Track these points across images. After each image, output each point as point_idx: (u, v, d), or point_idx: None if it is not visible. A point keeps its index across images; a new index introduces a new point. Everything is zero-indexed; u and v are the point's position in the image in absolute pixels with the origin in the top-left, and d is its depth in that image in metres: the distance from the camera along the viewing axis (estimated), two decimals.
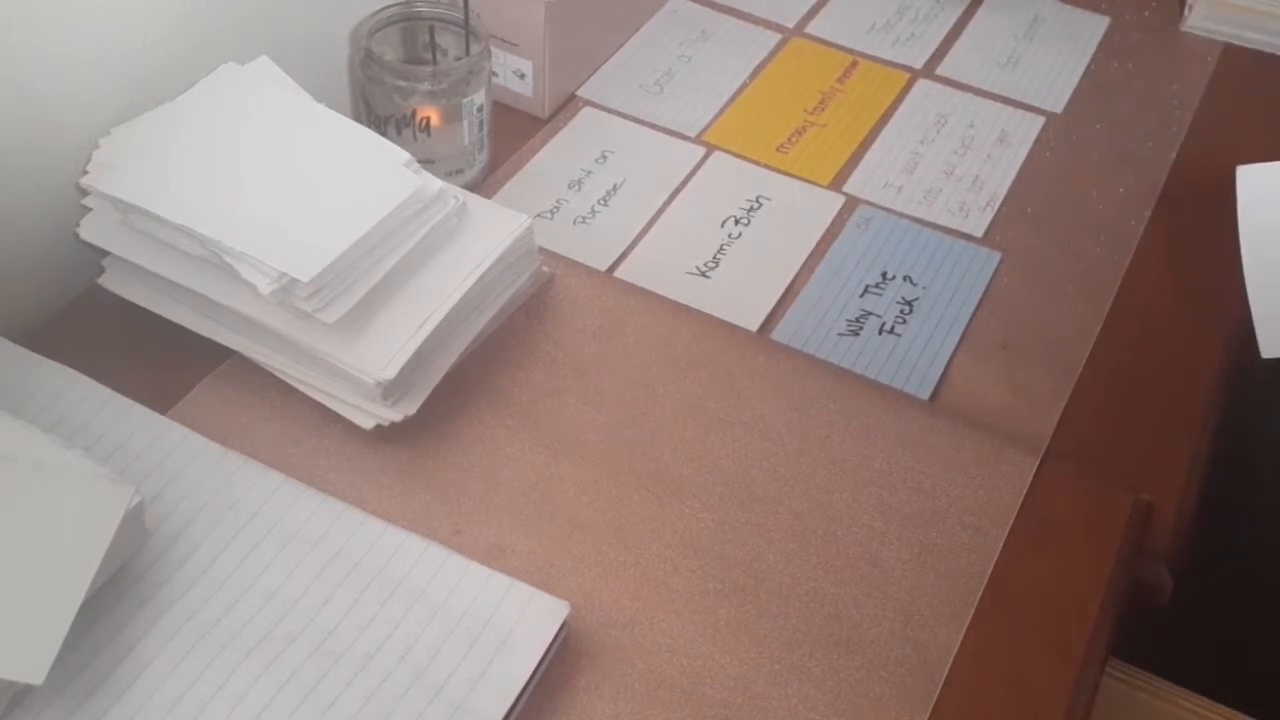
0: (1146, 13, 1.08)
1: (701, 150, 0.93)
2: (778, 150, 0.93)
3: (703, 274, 0.84)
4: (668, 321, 0.79)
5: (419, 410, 0.71)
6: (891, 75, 1.01)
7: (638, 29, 1.03)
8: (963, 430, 0.74)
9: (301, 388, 0.72)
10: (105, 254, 0.74)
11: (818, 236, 0.87)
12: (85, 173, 0.72)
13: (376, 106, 0.83)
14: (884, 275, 0.85)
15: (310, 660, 0.60)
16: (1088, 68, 1.02)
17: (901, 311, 0.82)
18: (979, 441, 0.73)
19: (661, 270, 0.83)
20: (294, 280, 0.68)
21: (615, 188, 0.89)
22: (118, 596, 0.61)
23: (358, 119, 0.82)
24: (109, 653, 0.59)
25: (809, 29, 1.04)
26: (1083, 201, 0.91)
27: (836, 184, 0.91)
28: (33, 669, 0.54)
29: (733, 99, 0.97)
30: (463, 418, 0.73)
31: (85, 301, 0.77)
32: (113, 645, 0.59)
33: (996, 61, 1.03)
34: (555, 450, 0.71)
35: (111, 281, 0.75)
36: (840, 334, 0.80)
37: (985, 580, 0.67)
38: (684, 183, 0.90)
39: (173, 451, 0.67)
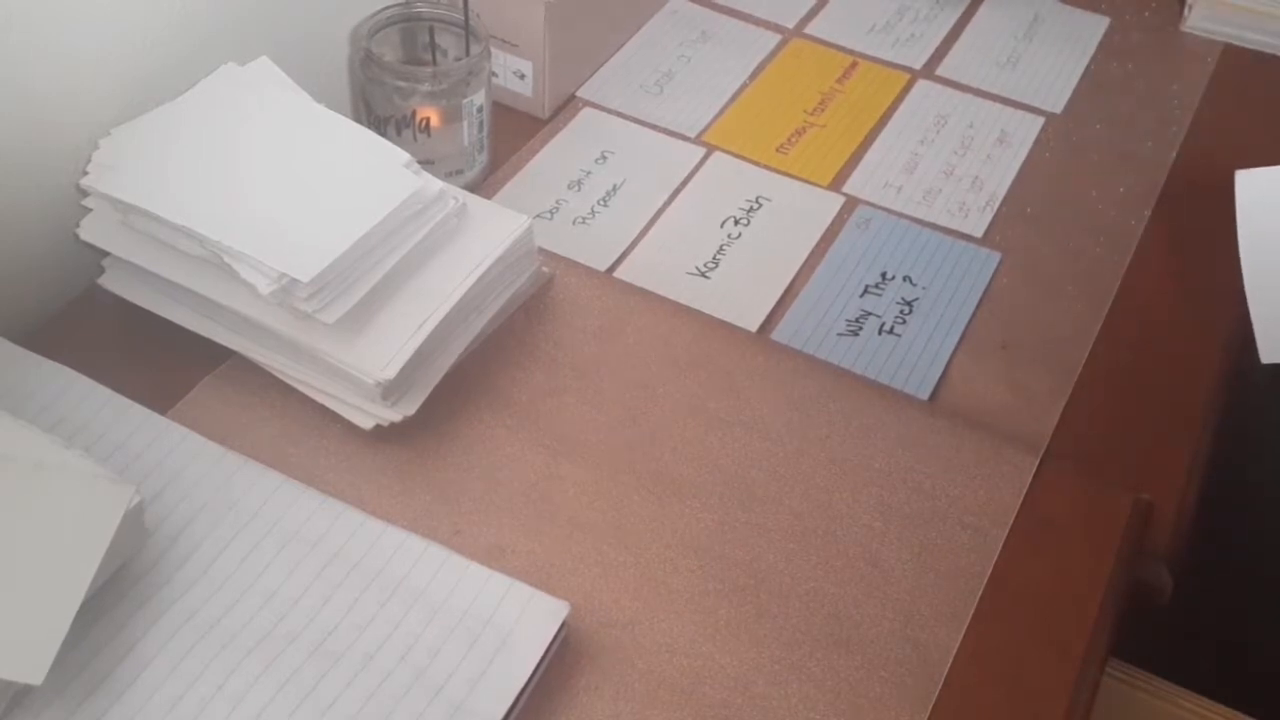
0: (1146, 13, 1.08)
1: (701, 151, 0.93)
2: (777, 151, 0.93)
3: (703, 274, 0.84)
4: (668, 321, 0.79)
5: (419, 410, 0.71)
6: (891, 76, 1.01)
7: (638, 29, 1.03)
8: (963, 430, 0.74)
9: (301, 388, 0.72)
10: (105, 254, 0.74)
11: (817, 237, 0.87)
12: (85, 173, 0.72)
13: (376, 107, 0.83)
14: (884, 275, 0.85)
15: (310, 660, 0.60)
16: (1087, 68, 1.03)
17: (901, 311, 0.82)
18: (979, 441, 0.73)
19: (661, 270, 0.83)
20: (294, 280, 0.68)
21: (615, 188, 0.89)
22: (118, 596, 0.61)
23: (358, 119, 0.82)
24: (109, 653, 0.59)
25: (809, 29, 1.04)
26: (1082, 201, 0.91)
27: (836, 184, 0.91)
28: (32, 669, 0.54)
29: (733, 99, 0.97)
30: (463, 418, 0.73)
31: (85, 301, 0.77)
32: (113, 645, 0.59)
33: (996, 62, 1.03)
34: (555, 450, 0.71)
35: (111, 281, 0.75)
36: (840, 334, 0.80)
37: (985, 580, 0.67)
38: (684, 183, 0.90)
39: (173, 451, 0.67)
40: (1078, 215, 0.90)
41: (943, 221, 0.89)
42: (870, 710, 0.62)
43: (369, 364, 0.69)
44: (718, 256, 0.85)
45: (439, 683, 0.59)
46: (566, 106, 0.95)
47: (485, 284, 0.74)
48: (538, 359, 0.76)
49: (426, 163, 0.80)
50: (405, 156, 0.74)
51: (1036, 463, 0.73)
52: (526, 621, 0.62)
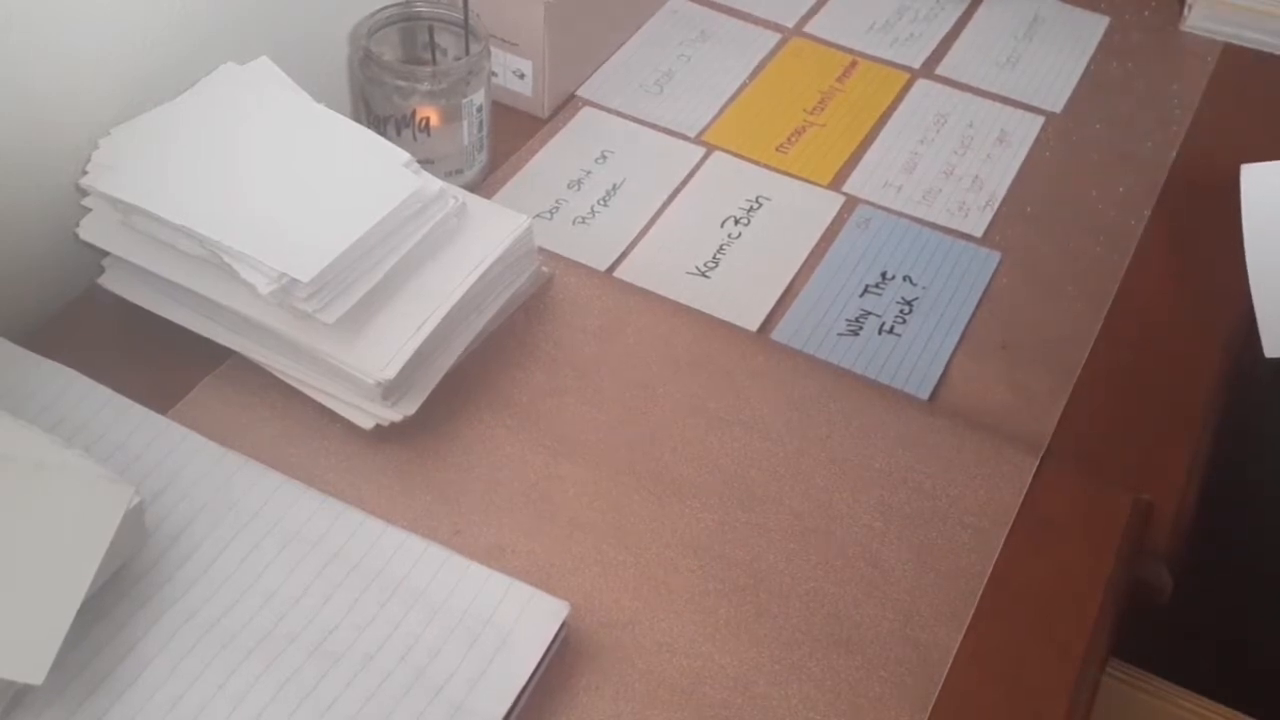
0: (1146, 12, 1.08)
1: (701, 150, 0.93)
2: (777, 150, 0.93)
3: (703, 274, 0.84)
4: (668, 321, 0.79)
5: (419, 410, 0.71)
6: (891, 75, 1.01)
7: (638, 29, 1.03)
8: (963, 430, 0.74)
9: (301, 388, 0.72)
10: (105, 254, 0.74)
11: (817, 236, 0.87)
12: (85, 173, 0.72)
13: (376, 106, 0.83)
14: (884, 275, 0.85)
15: (310, 660, 0.60)
16: (1087, 67, 1.02)
17: (901, 311, 0.82)
18: (979, 441, 0.73)
19: (661, 270, 0.83)
20: (294, 280, 0.68)
21: (615, 188, 0.89)
22: (118, 596, 0.61)
23: (358, 119, 0.82)
24: (109, 652, 0.59)
25: (809, 29, 1.04)
26: (1082, 201, 0.91)
27: (836, 184, 0.91)
28: (33, 669, 0.54)
29: (732, 99, 0.97)
30: (463, 418, 0.73)
31: (85, 301, 0.77)
32: (113, 645, 0.59)
33: (996, 61, 1.03)
34: (555, 450, 0.71)
35: (111, 281, 0.75)
36: (840, 334, 0.80)
37: (985, 580, 0.67)
38: (684, 183, 0.90)
39: (173, 451, 0.67)
40: (1078, 215, 0.90)
41: (943, 221, 0.89)
42: (870, 710, 0.62)
43: (369, 364, 0.69)
44: (718, 256, 0.85)
45: (439, 683, 0.59)
46: (566, 106, 0.95)
47: (485, 284, 0.74)
48: (538, 359, 0.76)
49: (426, 162, 0.80)
50: (405, 156, 0.74)
51: (1036, 463, 0.73)
52: (526, 621, 0.62)
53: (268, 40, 0.83)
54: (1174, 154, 0.95)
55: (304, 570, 0.63)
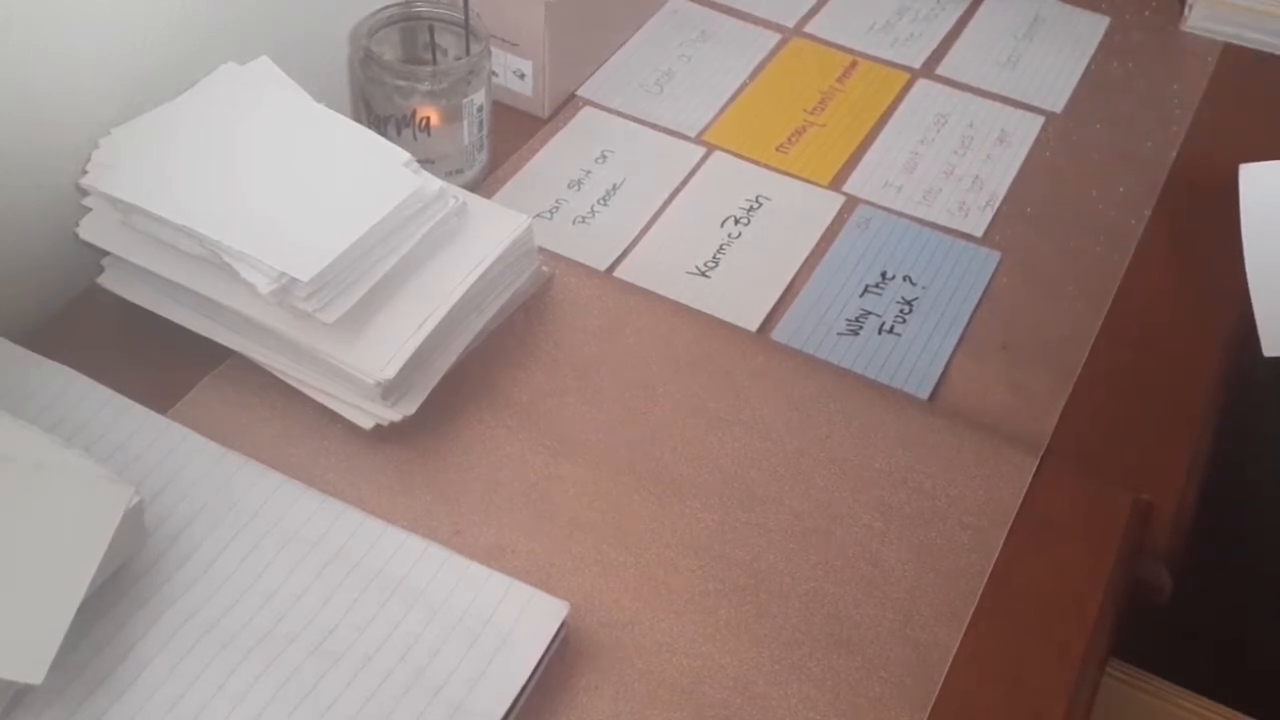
0: (1146, 12, 1.08)
1: (701, 150, 0.93)
2: (777, 150, 0.93)
3: (703, 274, 0.84)
4: (668, 321, 0.79)
5: (419, 410, 0.71)
6: (891, 75, 1.01)
7: (638, 29, 1.03)
8: (963, 430, 0.74)
9: (301, 388, 0.72)
10: (105, 254, 0.74)
11: (817, 236, 0.87)
12: (85, 172, 0.72)
13: (376, 106, 0.83)
14: (884, 275, 0.85)
15: (310, 660, 0.60)
16: (1088, 67, 1.02)
17: (901, 311, 0.82)
18: (979, 441, 0.73)
19: (661, 270, 0.83)
20: (293, 280, 0.68)
21: (615, 188, 0.89)
22: (118, 596, 0.61)
23: (358, 119, 0.82)
24: (109, 652, 0.59)
25: (809, 29, 1.04)
26: (1083, 201, 0.91)
27: (836, 184, 0.91)
28: (32, 669, 0.54)
29: (733, 99, 0.97)
30: (463, 418, 0.73)
31: (85, 301, 0.77)
32: (113, 645, 0.59)
33: (996, 61, 1.03)
34: (555, 450, 0.71)
35: (111, 281, 0.75)
36: (840, 334, 0.80)
37: (985, 580, 0.67)
38: (684, 183, 0.90)
39: (173, 451, 0.67)
40: (1078, 215, 0.90)
41: (943, 221, 0.89)
42: (870, 710, 0.62)
43: (369, 364, 0.69)
44: (718, 256, 0.85)
45: (439, 683, 0.59)
46: (566, 106, 0.95)
47: (485, 283, 0.74)
48: (538, 359, 0.76)
49: (426, 162, 0.80)
50: (405, 156, 0.74)
51: (1036, 463, 0.73)
52: (526, 621, 0.62)
53: (268, 40, 0.83)
54: (1174, 154, 0.95)
55: (304, 570, 0.63)
